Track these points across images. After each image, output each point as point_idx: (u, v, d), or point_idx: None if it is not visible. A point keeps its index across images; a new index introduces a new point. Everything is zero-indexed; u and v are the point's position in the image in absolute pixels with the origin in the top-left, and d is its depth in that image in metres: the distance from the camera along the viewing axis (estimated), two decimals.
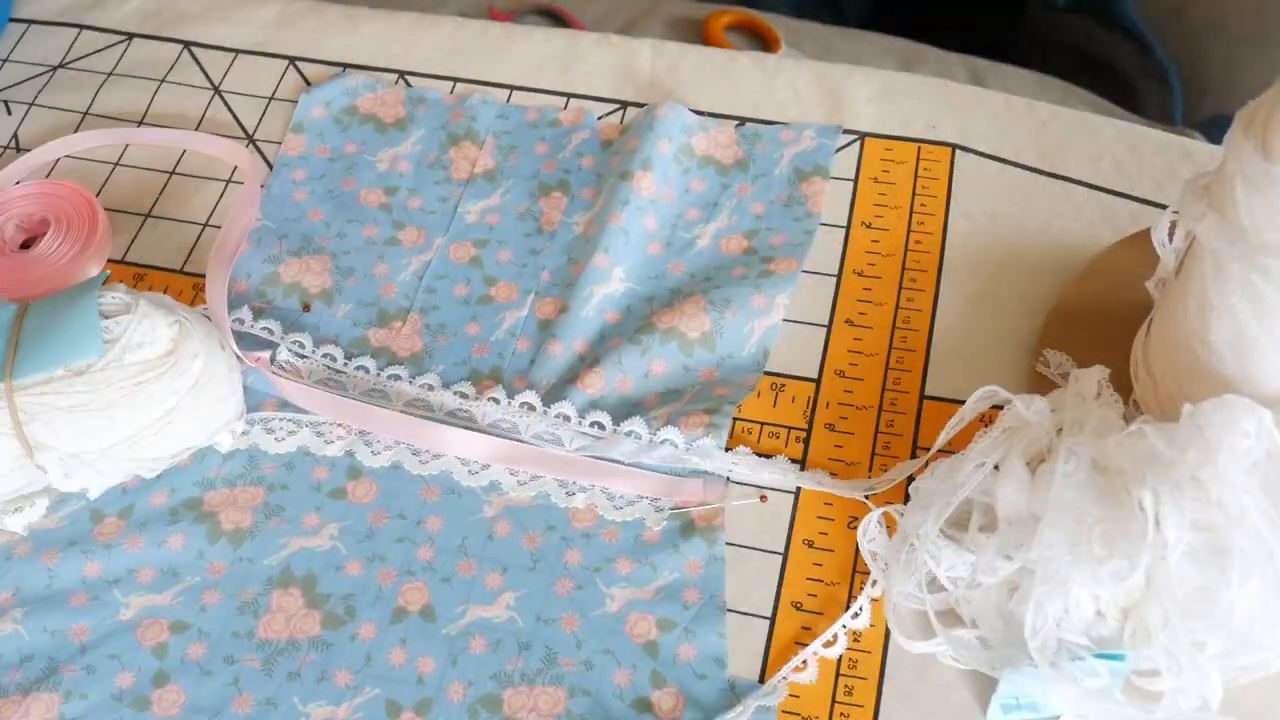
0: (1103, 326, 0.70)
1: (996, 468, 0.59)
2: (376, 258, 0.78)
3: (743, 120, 0.83)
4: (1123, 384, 0.66)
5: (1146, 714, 0.54)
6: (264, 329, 0.74)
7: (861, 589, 0.63)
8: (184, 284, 0.78)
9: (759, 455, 0.68)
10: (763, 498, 0.67)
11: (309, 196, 0.81)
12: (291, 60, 0.89)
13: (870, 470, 0.67)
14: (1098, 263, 0.73)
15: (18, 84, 0.89)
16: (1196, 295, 0.58)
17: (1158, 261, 0.64)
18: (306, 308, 0.76)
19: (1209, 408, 0.53)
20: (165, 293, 0.78)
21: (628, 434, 0.68)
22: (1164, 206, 0.76)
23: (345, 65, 0.88)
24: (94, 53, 0.91)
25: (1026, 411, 0.59)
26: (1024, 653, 0.56)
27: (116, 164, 0.84)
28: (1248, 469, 0.53)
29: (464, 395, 0.71)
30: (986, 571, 0.58)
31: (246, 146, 0.84)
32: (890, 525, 0.64)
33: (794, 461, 0.68)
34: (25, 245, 0.80)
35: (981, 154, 0.79)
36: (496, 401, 0.71)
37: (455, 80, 0.87)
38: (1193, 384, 0.60)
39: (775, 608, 0.64)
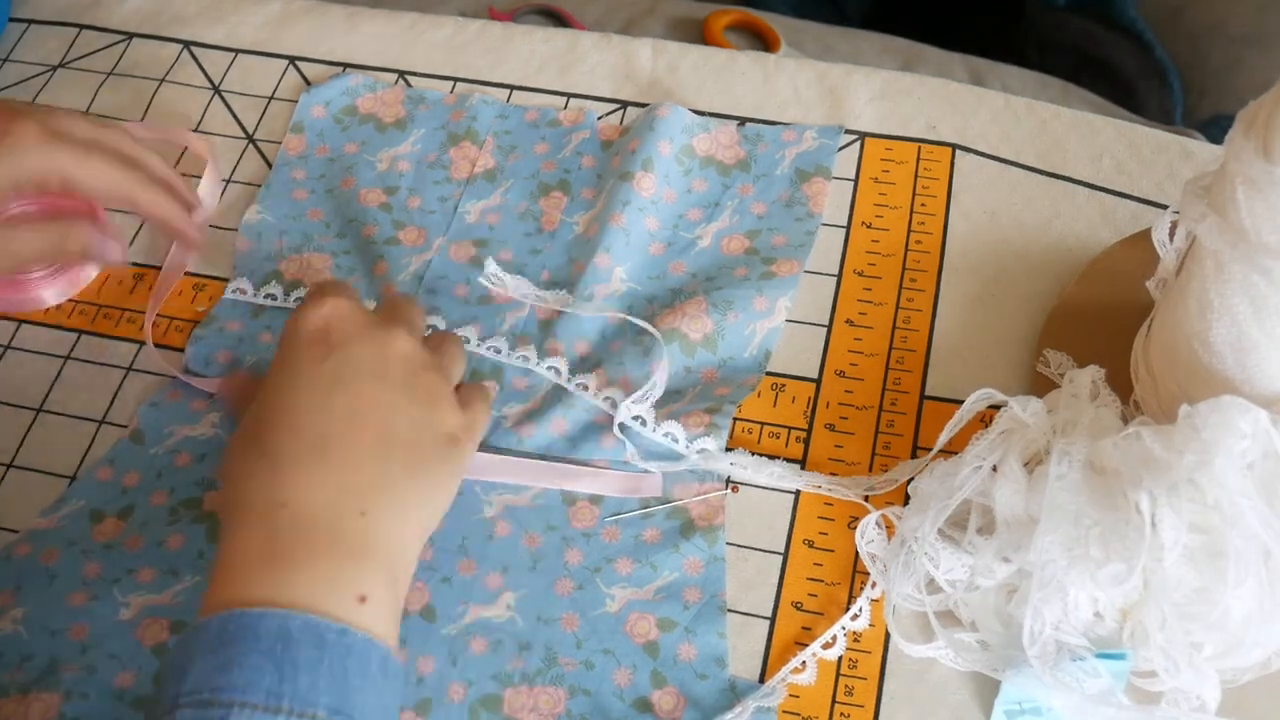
0: (1103, 326, 0.70)
1: (994, 469, 0.59)
2: (376, 257, 0.78)
3: (743, 120, 0.82)
4: (1123, 384, 0.66)
5: (1146, 715, 0.54)
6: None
7: (862, 589, 0.63)
8: (184, 284, 0.78)
9: (759, 455, 0.68)
10: (734, 488, 0.67)
11: (309, 196, 0.81)
12: (291, 60, 0.89)
13: (870, 470, 0.68)
14: (1098, 263, 0.73)
15: (18, 84, 0.89)
16: (1197, 296, 0.58)
17: (1158, 261, 0.64)
18: None
19: (1205, 409, 0.53)
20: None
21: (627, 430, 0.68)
22: (1164, 206, 0.76)
23: (345, 65, 0.88)
24: (94, 52, 0.91)
25: (1023, 413, 0.59)
26: (1025, 654, 0.56)
27: None
28: (1244, 470, 0.53)
29: None
30: (984, 574, 0.58)
31: (194, 131, 0.85)
32: (889, 527, 0.64)
33: (794, 462, 0.68)
34: None
35: (981, 154, 0.79)
36: None
37: (455, 80, 0.87)
38: (1193, 384, 0.60)
39: (775, 608, 0.64)
